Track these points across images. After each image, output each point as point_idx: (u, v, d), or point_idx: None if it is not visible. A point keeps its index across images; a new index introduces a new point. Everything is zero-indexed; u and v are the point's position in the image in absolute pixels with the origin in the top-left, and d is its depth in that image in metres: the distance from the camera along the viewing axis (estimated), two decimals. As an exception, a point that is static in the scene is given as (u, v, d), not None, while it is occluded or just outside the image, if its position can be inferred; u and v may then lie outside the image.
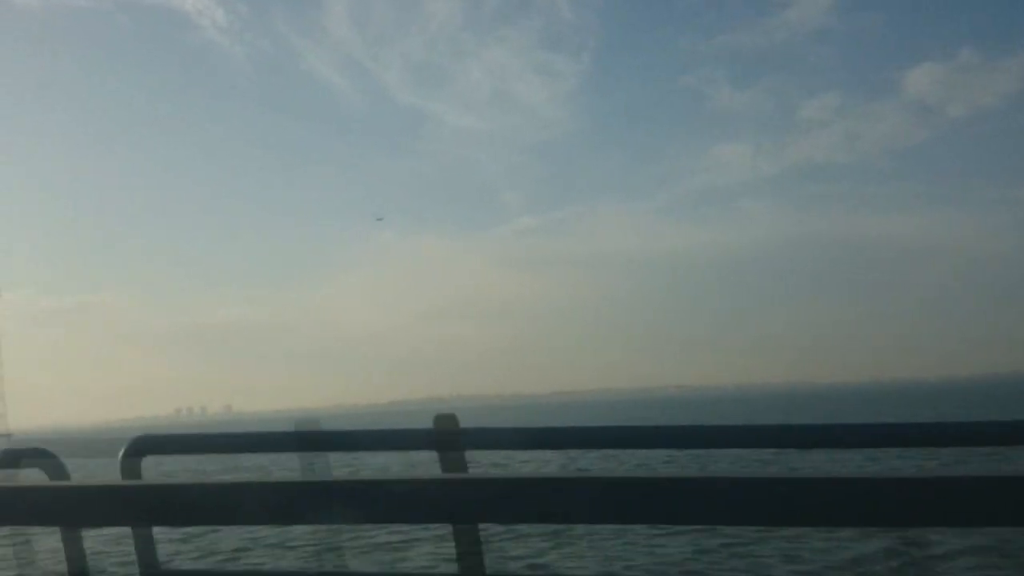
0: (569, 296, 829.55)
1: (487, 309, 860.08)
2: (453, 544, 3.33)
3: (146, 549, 3.24)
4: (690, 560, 10.49)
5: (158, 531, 3.43)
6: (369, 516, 1.55)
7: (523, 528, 11.10)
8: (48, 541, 3.11)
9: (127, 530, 3.13)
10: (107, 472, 4.11)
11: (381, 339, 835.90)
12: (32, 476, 2.96)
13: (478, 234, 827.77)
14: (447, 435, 3.44)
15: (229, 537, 11.87)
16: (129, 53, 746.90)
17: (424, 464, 4.01)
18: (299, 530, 11.82)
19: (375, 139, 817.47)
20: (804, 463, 14.68)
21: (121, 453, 3.24)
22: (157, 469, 3.62)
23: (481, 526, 3.31)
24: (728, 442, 3.57)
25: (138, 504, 1.56)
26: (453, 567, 3.18)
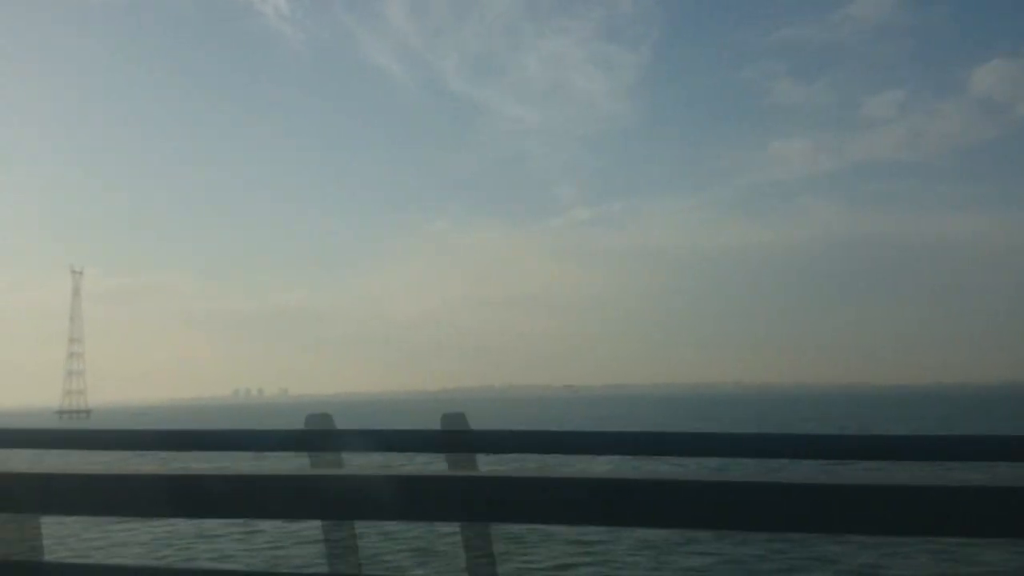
0: (623, 289, 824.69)
1: (540, 300, 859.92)
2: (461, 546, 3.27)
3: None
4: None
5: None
6: (377, 511, 1.53)
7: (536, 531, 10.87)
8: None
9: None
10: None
11: (434, 327, 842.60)
12: None
13: (532, 225, 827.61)
14: (455, 436, 3.33)
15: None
16: (191, 39, 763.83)
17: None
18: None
19: (431, 129, 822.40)
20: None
21: None
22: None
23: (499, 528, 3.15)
24: (757, 451, 3.37)
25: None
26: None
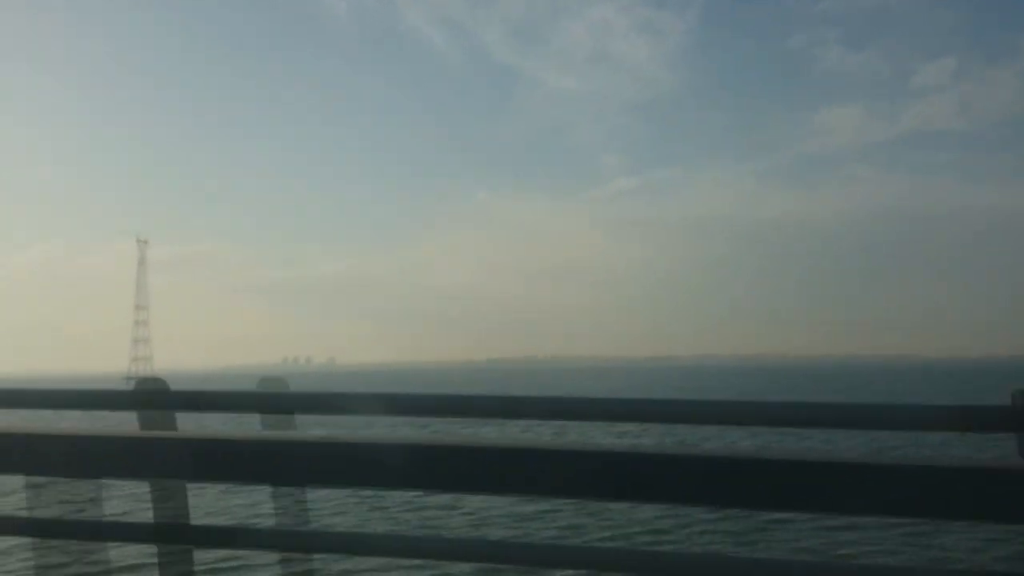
0: (667, 259, 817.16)
1: (584, 270, 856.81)
2: None
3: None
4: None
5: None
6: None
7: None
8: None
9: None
10: None
11: (478, 297, 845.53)
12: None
13: (575, 195, 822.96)
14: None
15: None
16: (237, 10, 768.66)
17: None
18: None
19: (473, 99, 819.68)
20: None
21: None
22: None
23: None
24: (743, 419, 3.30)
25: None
26: None
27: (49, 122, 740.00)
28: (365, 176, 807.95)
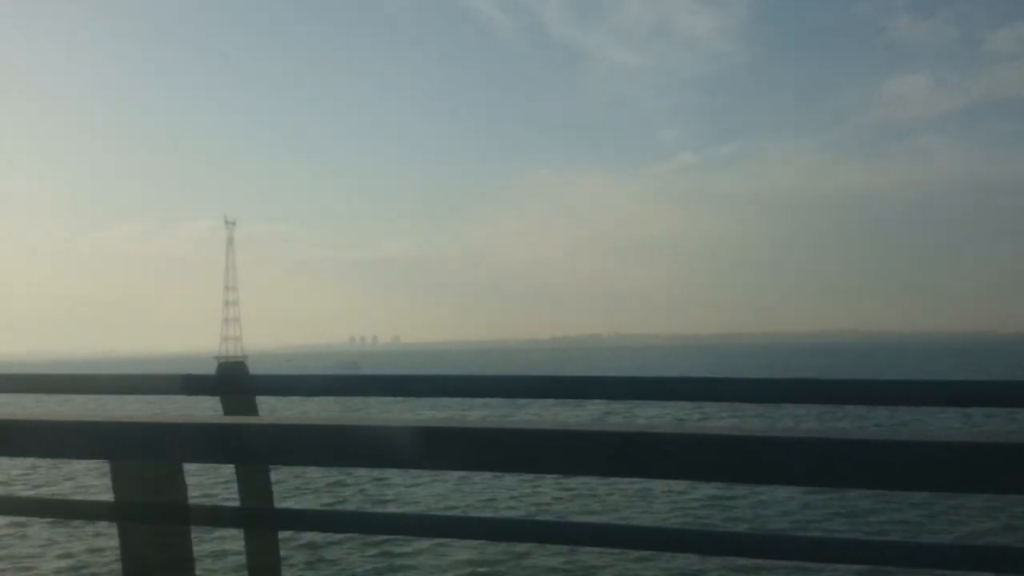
0: (731, 235, 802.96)
1: (646, 247, 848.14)
2: None
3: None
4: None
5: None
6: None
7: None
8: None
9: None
10: None
11: (539, 275, 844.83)
12: None
13: (636, 171, 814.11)
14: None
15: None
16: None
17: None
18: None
19: (532, 76, 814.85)
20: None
21: None
22: None
23: None
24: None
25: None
26: None
27: (128, 105, 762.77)
28: (428, 156, 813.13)
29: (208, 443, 1.57)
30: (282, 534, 5.01)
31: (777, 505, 11.36)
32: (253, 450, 1.62)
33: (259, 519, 3.04)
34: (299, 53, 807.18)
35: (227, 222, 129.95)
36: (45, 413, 1.78)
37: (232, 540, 8.80)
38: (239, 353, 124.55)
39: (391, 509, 12.32)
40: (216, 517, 2.83)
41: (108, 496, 1.96)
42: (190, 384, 3.05)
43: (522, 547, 8.84)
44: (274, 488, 3.62)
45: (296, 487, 14.17)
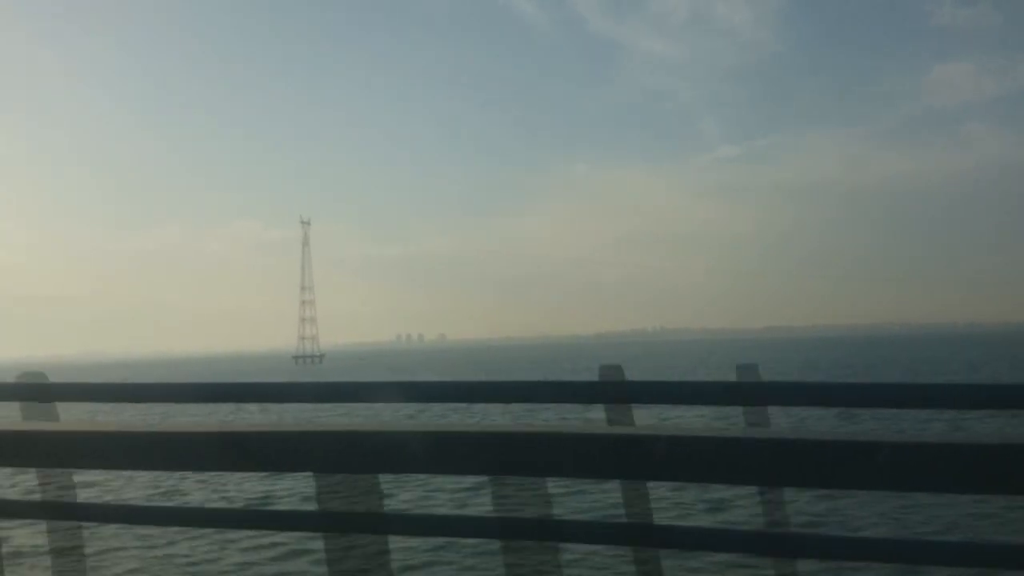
0: (774, 227, 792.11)
1: (688, 240, 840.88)
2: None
3: None
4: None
5: None
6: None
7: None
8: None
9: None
10: None
11: (581, 270, 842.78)
12: None
13: (675, 164, 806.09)
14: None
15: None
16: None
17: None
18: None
19: (568, 69, 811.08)
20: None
21: None
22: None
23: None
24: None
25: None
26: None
27: (171, 107, 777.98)
28: (467, 151, 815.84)
29: (394, 453, 1.54)
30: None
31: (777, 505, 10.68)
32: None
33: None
34: (337, 52, 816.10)
35: (302, 222, 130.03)
36: None
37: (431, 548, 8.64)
38: (315, 351, 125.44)
39: (391, 509, 11.94)
40: (416, 527, 2.98)
41: (316, 506, 2.15)
42: None
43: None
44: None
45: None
